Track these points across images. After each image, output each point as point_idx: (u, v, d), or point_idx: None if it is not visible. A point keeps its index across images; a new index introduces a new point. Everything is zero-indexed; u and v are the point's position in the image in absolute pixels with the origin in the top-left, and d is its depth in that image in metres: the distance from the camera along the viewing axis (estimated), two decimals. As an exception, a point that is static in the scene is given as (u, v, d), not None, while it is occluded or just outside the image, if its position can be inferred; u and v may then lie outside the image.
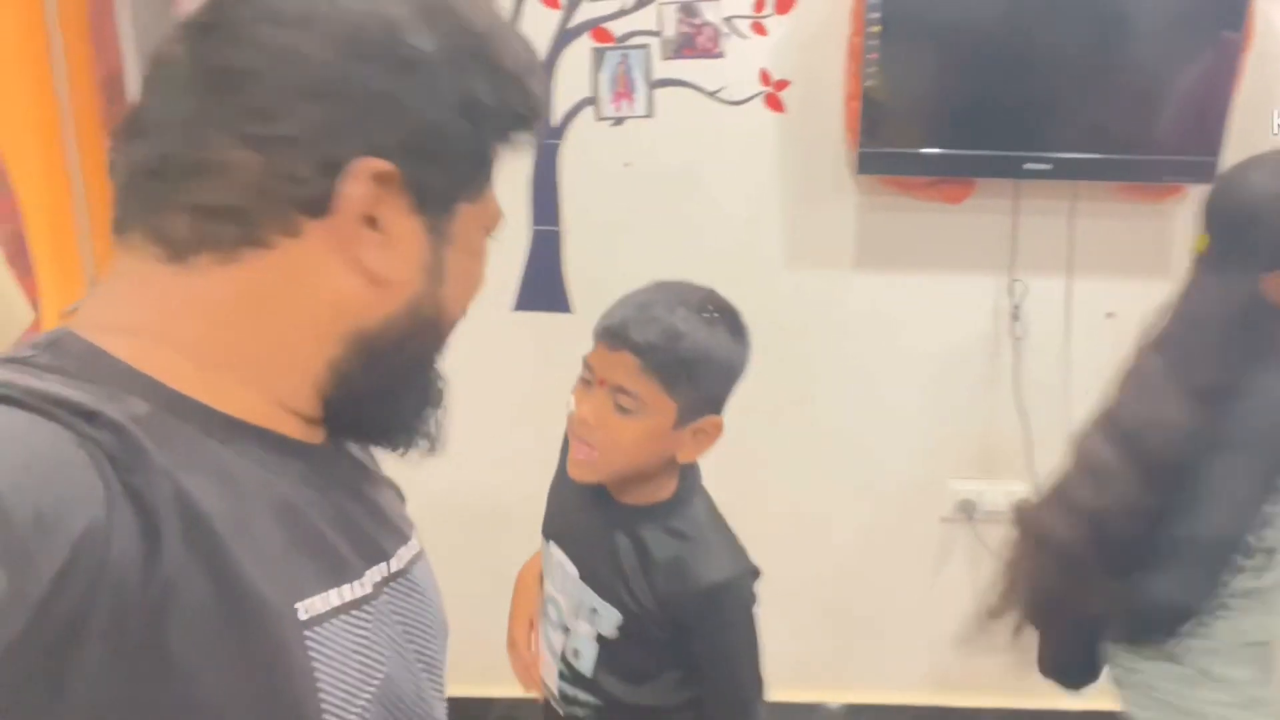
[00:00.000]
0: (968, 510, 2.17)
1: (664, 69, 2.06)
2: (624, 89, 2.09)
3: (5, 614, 0.42)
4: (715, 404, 1.20)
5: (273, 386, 0.61)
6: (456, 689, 0.79)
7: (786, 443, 2.20)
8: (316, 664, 0.57)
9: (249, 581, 0.54)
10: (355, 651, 0.61)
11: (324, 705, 0.58)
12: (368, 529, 0.67)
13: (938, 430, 2.17)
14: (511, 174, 2.00)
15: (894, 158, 1.97)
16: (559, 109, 2.10)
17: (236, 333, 0.59)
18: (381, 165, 0.58)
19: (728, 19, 2.03)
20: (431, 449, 0.71)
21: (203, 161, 0.57)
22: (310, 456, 0.63)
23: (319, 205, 0.58)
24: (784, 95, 2.05)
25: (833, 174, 2.07)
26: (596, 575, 1.22)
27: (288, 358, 0.61)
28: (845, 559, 2.25)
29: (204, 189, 0.57)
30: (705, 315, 1.16)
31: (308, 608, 0.58)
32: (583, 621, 1.23)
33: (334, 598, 0.60)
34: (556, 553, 1.27)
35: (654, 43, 2.05)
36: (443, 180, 0.62)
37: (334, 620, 0.60)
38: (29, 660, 0.45)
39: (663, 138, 2.09)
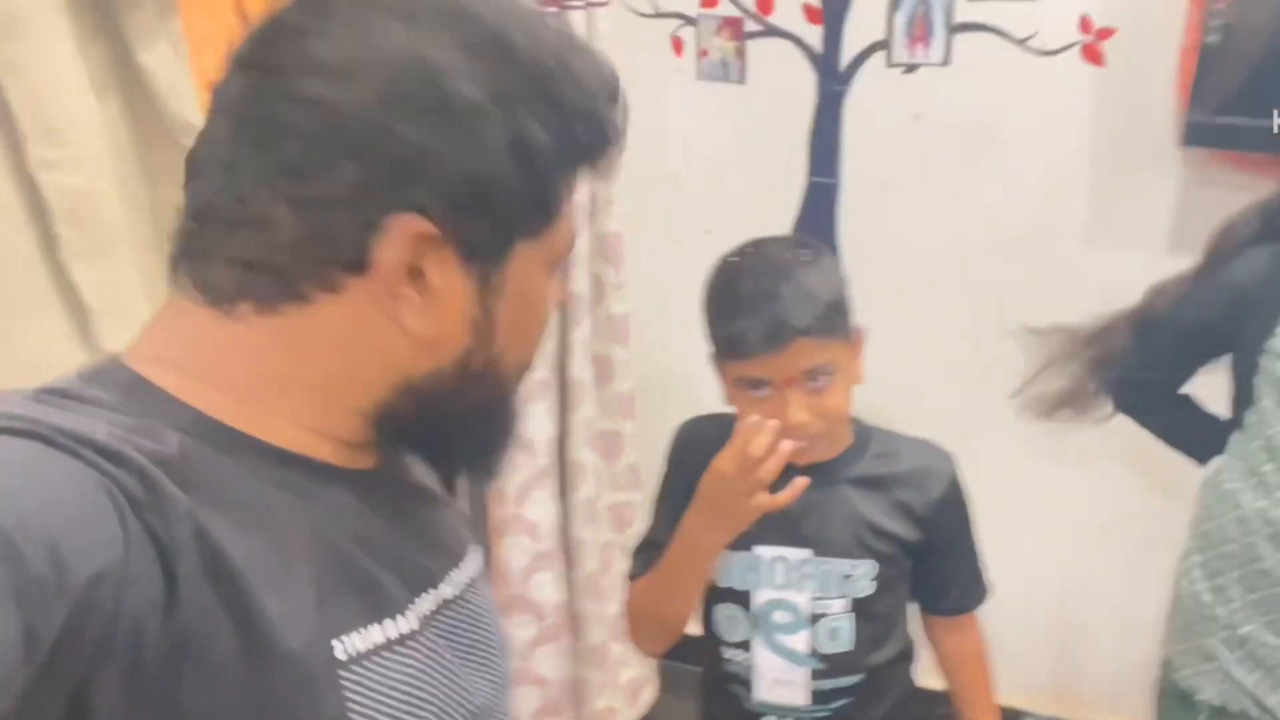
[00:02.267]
0: None
1: (968, 10, 1.86)
2: (921, 32, 1.91)
3: (18, 658, 0.42)
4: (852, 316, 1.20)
5: (315, 420, 0.61)
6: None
7: (1070, 443, 1.97)
8: (352, 704, 0.56)
9: (274, 623, 0.53)
10: (399, 688, 0.59)
11: None
12: (412, 553, 0.66)
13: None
14: (792, 120, 1.93)
15: (1230, 130, 1.65)
16: (849, 53, 1.96)
17: (278, 376, 0.59)
18: (420, 225, 0.56)
19: (1049, -45, 1.78)
20: (488, 482, 0.70)
21: (241, 215, 0.56)
22: (354, 482, 0.63)
23: (358, 264, 0.57)
24: (1105, 46, 1.78)
25: (1154, 143, 1.78)
26: (838, 541, 1.21)
27: (333, 399, 0.61)
28: (1120, 578, 2.01)
29: (241, 243, 0.57)
30: (806, 257, 1.16)
31: (346, 646, 0.57)
32: (834, 600, 1.21)
33: (376, 634, 0.59)
34: (767, 553, 1.22)
35: (960, -20, 1.85)
36: (492, 229, 0.59)
37: (376, 657, 0.58)
38: (40, 704, 0.45)
39: (959, 89, 1.90)
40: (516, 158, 0.58)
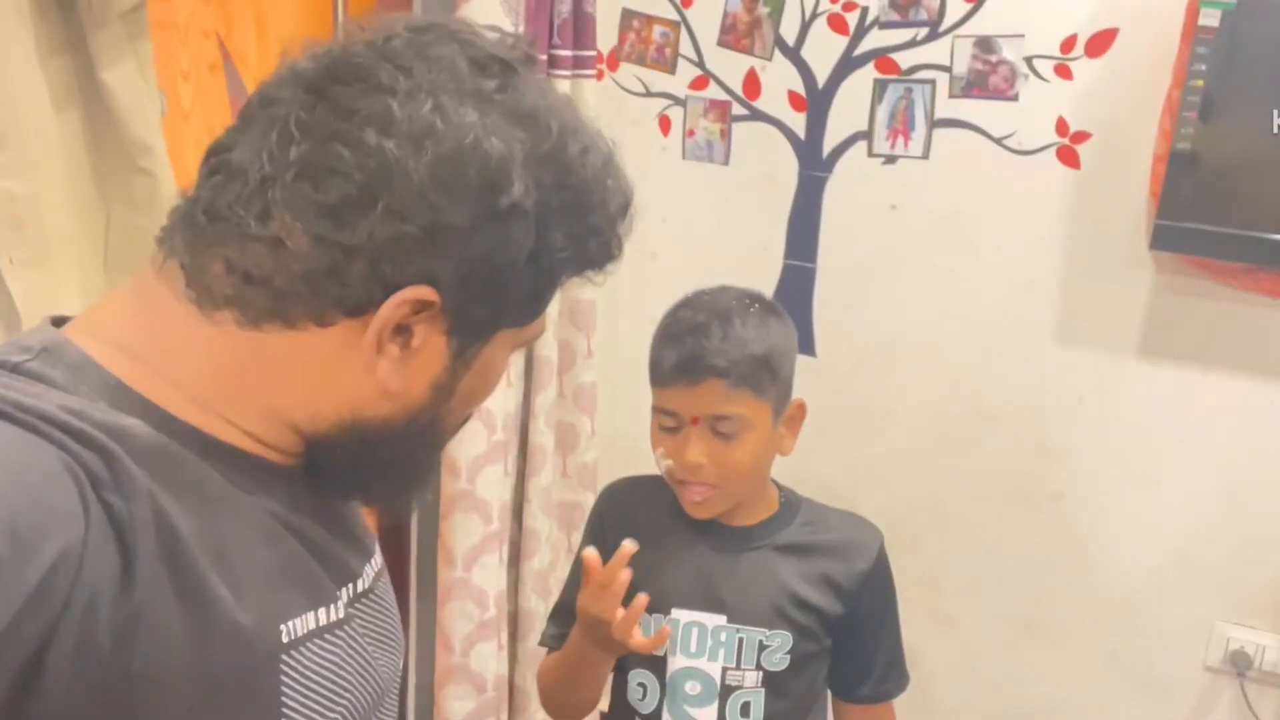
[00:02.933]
0: (1240, 664, 1.80)
1: (948, 108, 1.88)
2: (902, 125, 1.93)
3: None
4: (790, 388, 1.20)
5: (259, 429, 0.62)
6: None
7: (1024, 540, 1.94)
8: (286, 686, 0.59)
9: (222, 605, 0.55)
10: (326, 674, 0.62)
11: None
12: (339, 549, 0.69)
13: (1214, 561, 1.82)
14: (773, 204, 1.95)
15: (1199, 235, 1.66)
16: (831, 141, 1.99)
17: (237, 388, 0.60)
18: (429, 294, 0.58)
19: (1029, 59, 1.81)
20: (403, 516, 0.73)
21: (263, 232, 0.57)
22: (288, 480, 0.65)
23: (357, 310, 0.58)
24: (1081, 149, 1.80)
25: (1128, 245, 1.79)
26: (753, 608, 1.18)
27: (280, 418, 0.62)
28: (1075, 691, 1.95)
29: (253, 256, 0.57)
30: (752, 311, 1.15)
31: (290, 630, 0.60)
32: (747, 672, 1.18)
33: (312, 620, 0.62)
34: (684, 616, 1.19)
35: (942, 78, 1.88)
36: (489, 314, 0.63)
37: (310, 643, 0.61)
38: None
39: (936, 182, 1.91)
40: (534, 259, 0.61)
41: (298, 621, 0.60)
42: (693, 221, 2.11)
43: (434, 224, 0.56)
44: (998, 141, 1.86)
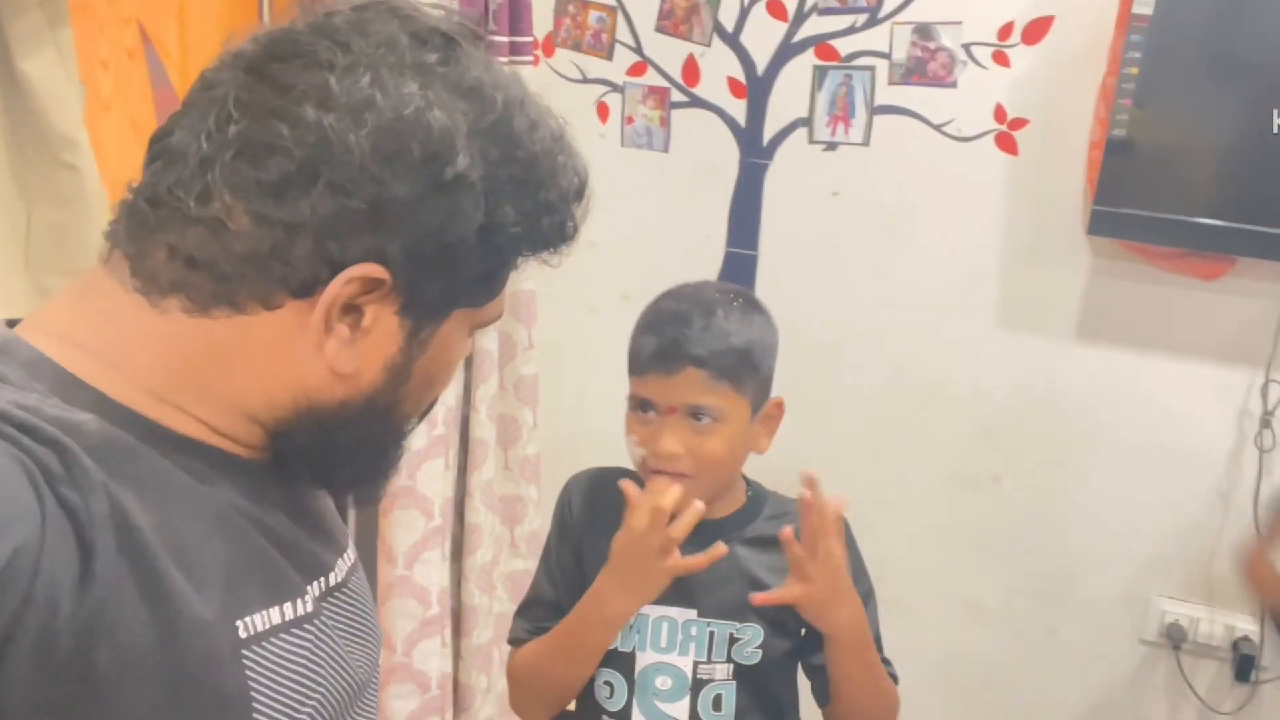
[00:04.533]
0: (1175, 637, 1.85)
1: (888, 94, 1.89)
2: (842, 112, 1.93)
3: None
4: (770, 386, 1.18)
5: (215, 419, 0.61)
6: None
7: (968, 524, 1.97)
8: (253, 682, 0.57)
9: (185, 600, 0.54)
10: (295, 669, 0.61)
11: None
12: (307, 543, 0.67)
13: (1150, 539, 1.86)
14: (714, 191, 1.94)
15: (1134, 221, 1.69)
16: (771, 128, 1.98)
17: (190, 376, 0.59)
18: (377, 271, 0.57)
19: (967, 45, 1.82)
20: (369, 503, 0.70)
21: (200, 213, 0.55)
22: (251, 472, 0.63)
23: (304, 290, 0.57)
24: (1019, 135, 1.82)
25: (1065, 231, 1.82)
26: (722, 602, 1.16)
27: (236, 407, 0.61)
28: (1018, 667, 1.99)
29: (194, 239, 0.56)
30: (736, 305, 1.14)
31: (248, 625, 0.58)
32: (718, 664, 1.16)
33: (275, 615, 0.61)
34: (652, 611, 1.17)
35: (881, 65, 1.88)
36: (441, 291, 0.61)
37: (275, 639, 0.60)
38: None
39: (877, 169, 1.92)
40: (484, 235, 0.59)
41: (258, 617, 0.59)
42: (633, 210, 2.09)
43: (378, 198, 0.55)
44: (937, 128, 1.87)
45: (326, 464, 0.67)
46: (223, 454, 0.61)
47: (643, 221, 2.10)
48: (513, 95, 0.61)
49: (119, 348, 0.58)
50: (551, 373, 2.10)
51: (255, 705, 0.58)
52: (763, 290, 2.03)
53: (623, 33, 2.04)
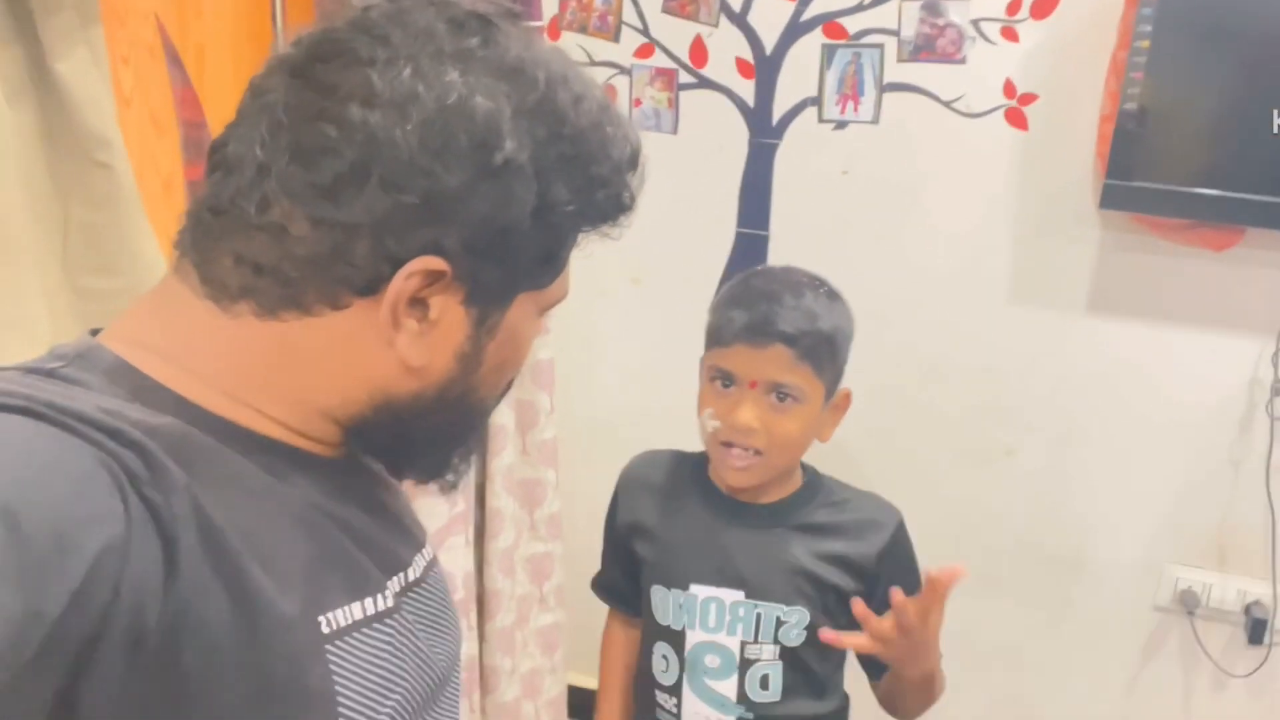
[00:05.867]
0: (1188, 603, 1.89)
1: (897, 72, 1.89)
2: (851, 91, 1.94)
3: (22, 634, 0.43)
4: (842, 375, 1.20)
5: (291, 418, 0.62)
6: None
7: (981, 498, 1.99)
8: (337, 677, 0.58)
9: (267, 597, 0.55)
10: (378, 664, 0.61)
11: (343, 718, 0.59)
12: (386, 539, 0.68)
13: (1162, 508, 1.89)
14: (723, 172, 1.94)
15: (1146, 194, 1.70)
16: (780, 107, 1.98)
17: (264, 378, 0.60)
18: (437, 264, 0.58)
19: (975, 21, 1.83)
20: (449, 490, 0.72)
21: (264, 221, 0.56)
22: (328, 470, 0.64)
23: (368, 288, 0.58)
24: (1029, 111, 1.83)
25: (1075, 205, 1.83)
26: (771, 585, 1.18)
27: (311, 405, 0.62)
28: (1033, 637, 2.02)
29: (258, 246, 0.57)
30: (822, 290, 1.17)
31: (330, 620, 0.59)
32: (765, 645, 1.19)
33: (357, 610, 0.61)
34: (702, 592, 1.19)
35: (889, 42, 1.89)
36: (503, 277, 0.62)
37: (357, 634, 0.61)
38: (45, 678, 0.45)
39: (887, 147, 1.93)
40: (539, 216, 0.60)
41: (340, 612, 0.60)
42: (643, 192, 2.09)
43: (430, 191, 0.56)
44: (946, 105, 1.88)
45: (405, 455, 0.68)
46: (300, 452, 0.62)
47: (652, 204, 2.07)
48: (555, 71, 0.61)
49: (194, 352, 0.59)
50: (562, 356, 2.11)
51: (340, 700, 0.58)
52: (775, 270, 2.05)
53: (629, 14, 2.04)
